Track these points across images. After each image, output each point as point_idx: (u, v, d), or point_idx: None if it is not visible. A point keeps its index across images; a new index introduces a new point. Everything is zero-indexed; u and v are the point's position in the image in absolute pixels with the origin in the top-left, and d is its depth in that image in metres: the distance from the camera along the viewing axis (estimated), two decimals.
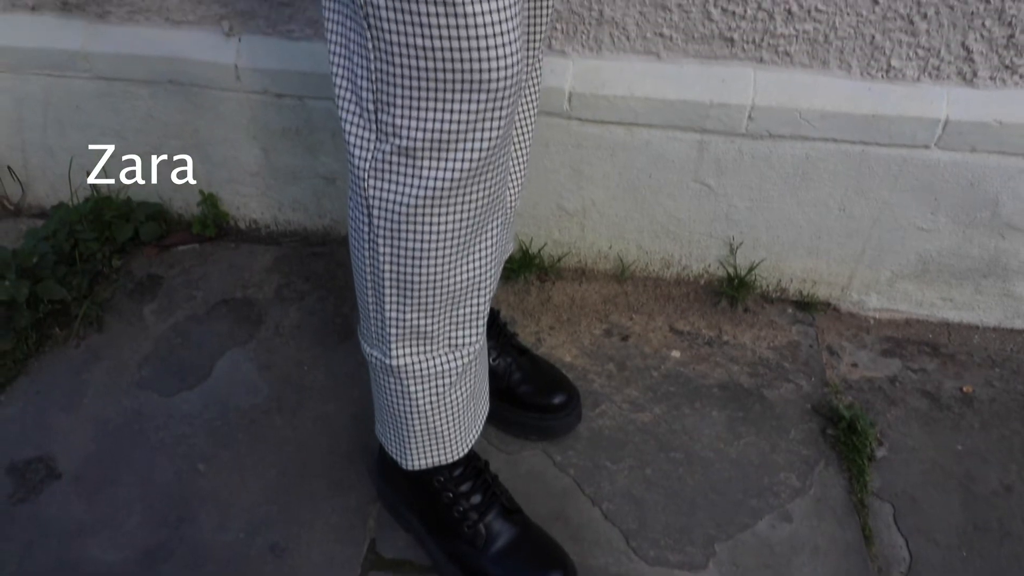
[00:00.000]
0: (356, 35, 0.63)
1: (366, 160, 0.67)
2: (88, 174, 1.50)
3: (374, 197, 0.68)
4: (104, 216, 1.45)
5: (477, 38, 0.57)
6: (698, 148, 1.23)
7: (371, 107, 0.64)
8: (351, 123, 0.67)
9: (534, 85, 0.99)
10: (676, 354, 1.30)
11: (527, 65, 0.95)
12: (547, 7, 0.89)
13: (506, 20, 0.58)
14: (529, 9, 0.89)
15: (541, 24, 0.91)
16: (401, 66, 0.61)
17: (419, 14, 0.57)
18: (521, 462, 1.14)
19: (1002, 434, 1.19)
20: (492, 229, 0.76)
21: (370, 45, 0.61)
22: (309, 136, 1.38)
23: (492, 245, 0.77)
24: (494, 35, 0.58)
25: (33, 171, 1.54)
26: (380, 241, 0.72)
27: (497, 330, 1.16)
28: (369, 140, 0.66)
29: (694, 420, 1.20)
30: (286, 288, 1.42)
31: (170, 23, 1.32)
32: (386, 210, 0.69)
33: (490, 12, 0.57)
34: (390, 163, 0.66)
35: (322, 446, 1.16)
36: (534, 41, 0.93)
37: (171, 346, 1.31)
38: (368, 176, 0.67)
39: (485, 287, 0.80)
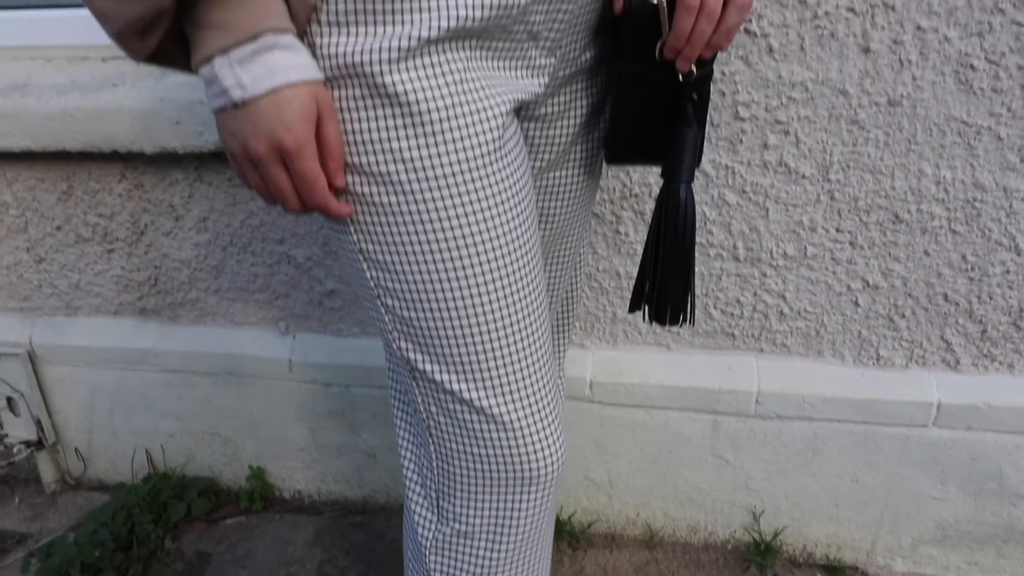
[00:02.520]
0: (421, 439, 0.75)
1: (427, 539, 0.77)
2: (148, 454, 1.62)
3: (434, 570, 0.77)
4: (160, 496, 1.55)
5: (524, 445, 0.69)
6: (712, 427, 1.34)
7: (434, 495, 0.75)
8: (417, 503, 0.77)
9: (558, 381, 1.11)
10: None
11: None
12: (568, 330, 1.03)
13: (548, 425, 0.70)
14: (554, 334, 1.03)
15: (563, 343, 1.04)
16: (459, 467, 0.72)
17: (472, 427, 0.69)
18: None
19: None
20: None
21: (431, 450, 0.73)
22: (352, 417, 1.50)
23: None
24: (538, 439, 0.70)
25: (96, 448, 1.66)
26: None
27: None
28: (431, 521, 0.76)
29: None
30: (327, 564, 1.48)
31: (233, 324, 1.50)
32: None
33: (534, 422, 0.69)
34: (450, 543, 0.76)
35: None
36: (559, 357, 1.06)
37: None
38: (429, 552, 0.77)
39: None
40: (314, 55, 0.60)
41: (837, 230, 1.18)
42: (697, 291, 1.27)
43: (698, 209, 1.21)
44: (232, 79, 0.56)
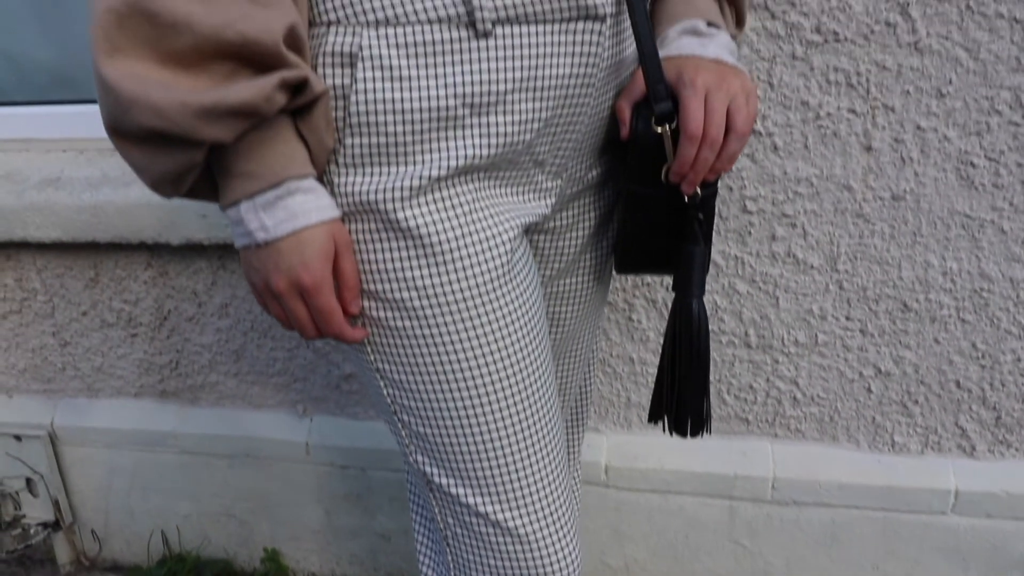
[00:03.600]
0: (439, 547, 0.76)
1: None
2: (164, 535, 1.62)
3: None
4: None
5: (541, 557, 0.70)
6: (729, 513, 1.33)
7: None
8: None
9: (575, 480, 1.12)
10: None
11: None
12: (582, 425, 1.05)
13: (564, 536, 0.72)
14: (567, 427, 1.04)
15: (578, 438, 1.06)
16: None
17: (490, 540, 0.70)
18: None
19: None
20: None
21: (449, 559, 0.74)
22: (368, 499, 1.51)
23: None
24: (555, 551, 0.71)
25: (112, 529, 1.67)
26: None
27: None
28: None
29: None
30: None
31: (252, 406, 1.52)
32: None
33: (550, 533, 0.70)
34: None
35: None
36: (575, 453, 1.07)
37: None
38: None
39: None
40: (332, 192, 0.64)
41: (847, 318, 1.20)
42: (711, 376, 1.29)
43: (709, 298, 1.23)
44: (257, 222, 0.60)
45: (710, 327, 1.25)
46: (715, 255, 1.20)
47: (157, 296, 1.45)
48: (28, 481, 1.63)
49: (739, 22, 0.80)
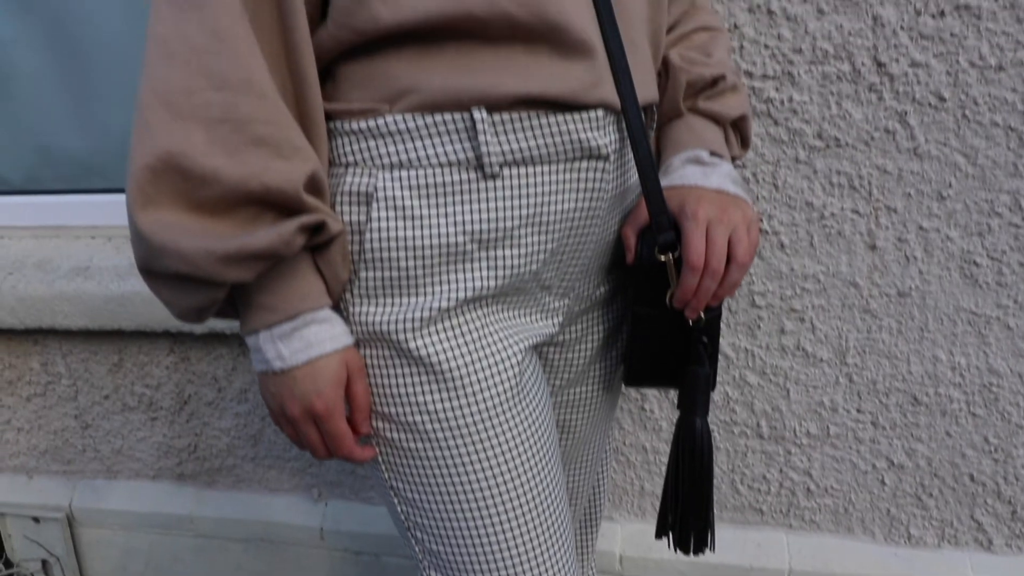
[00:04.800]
0: None
1: None
2: None
3: None
4: None
5: None
6: None
7: None
8: None
9: None
10: None
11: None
12: (595, 527, 1.05)
13: None
14: (578, 535, 1.04)
15: (590, 540, 1.06)
16: None
17: None
18: None
19: None
20: None
21: None
22: None
23: None
24: None
25: None
26: None
27: None
28: None
29: None
30: None
31: (268, 490, 1.53)
32: None
33: None
34: None
35: None
36: (588, 552, 1.07)
37: None
38: None
39: None
40: (346, 320, 0.68)
41: (858, 411, 1.20)
42: (724, 467, 1.29)
43: (720, 389, 1.25)
44: (274, 352, 0.63)
45: (722, 417, 1.26)
46: (726, 347, 1.22)
47: (178, 381, 1.48)
48: (44, 563, 1.64)
49: (744, 144, 0.84)
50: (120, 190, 1.54)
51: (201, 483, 1.57)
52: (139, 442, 1.56)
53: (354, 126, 0.65)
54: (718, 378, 1.24)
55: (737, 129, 0.82)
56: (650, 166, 0.69)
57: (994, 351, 1.13)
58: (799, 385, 1.21)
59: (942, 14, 0.99)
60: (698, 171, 0.73)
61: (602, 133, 0.67)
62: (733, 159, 0.84)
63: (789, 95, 1.06)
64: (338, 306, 0.68)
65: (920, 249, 1.10)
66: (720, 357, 1.23)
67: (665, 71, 0.80)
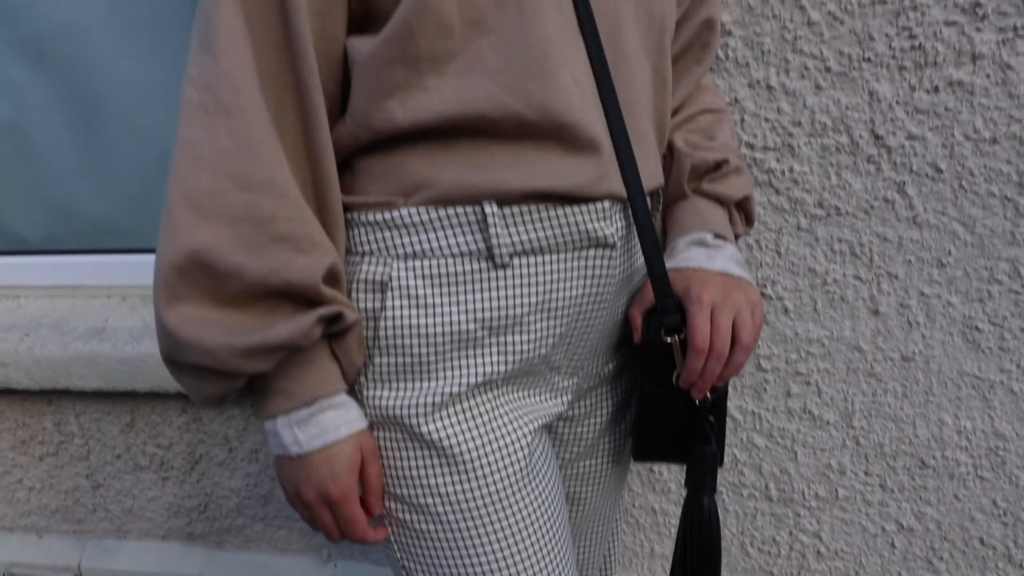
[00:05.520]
0: None
1: None
2: None
3: None
4: None
5: None
6: None
7: None
8: None
9: None
10: None
11: None
12: None
13: None
14: None
15: None
16: None
17: None
18: None
19: None
20: None
21: None
22: None
23: None
24: None
25: None
26: None
27: None
28: None
29: None
30: None
31: (277, 551, 1.54)
32: None
33: None
34: None
35: None
36: None
37: None
38: None
39: None
40: (360, 403, 0.70)
41: (866, 473, 1.21)
42: (733, 529, 1.29)
43: (728, 452, 1.25)
44: (291, 437, 0.65)
45: (731, 479, 1.27)
46: (733, 410, 1.23)
47: (190, 441, 1.50)
48: None
49: (748, 222, 0.86)
50: (136, 250, 1.57)
51: (211, 543, 1.57)
52: (149, 502, 1.56)
53: (371, 218, 0.68)
54: (726, 440, 1.25)
55: (741, 209, 0.84)
56: (656, 251, 0.71)
57: (999, 415, 1.14)
58: (806, 448, 1.22)
59: (936, 90, 1.02)
60: (702, 253, 0.75)
61: (609, 223, 0.70)
62: (737, 236, 0.86)
63: (790, 165, 1.09)
64: (352, 389, 0.70)
65: (922, 314, 1.12)
66: (727, 419, 1.24)
67: (670, 154, 0.82)
